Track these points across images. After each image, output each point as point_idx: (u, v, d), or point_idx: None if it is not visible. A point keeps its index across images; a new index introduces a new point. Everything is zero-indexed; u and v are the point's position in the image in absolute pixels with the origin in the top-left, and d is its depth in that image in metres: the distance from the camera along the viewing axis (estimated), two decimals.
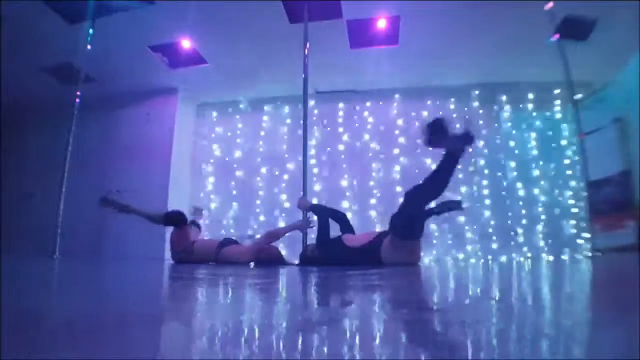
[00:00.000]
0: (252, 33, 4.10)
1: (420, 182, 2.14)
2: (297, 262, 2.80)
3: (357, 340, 0.47)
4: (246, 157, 5.48)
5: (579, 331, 0.53)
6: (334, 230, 2.74)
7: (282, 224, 4.81)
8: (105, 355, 0.39)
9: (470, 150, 2.09)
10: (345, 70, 4.86)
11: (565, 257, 4.43)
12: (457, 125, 2.19)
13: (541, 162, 4.85)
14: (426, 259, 3.83)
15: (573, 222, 4.64)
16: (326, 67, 4.64)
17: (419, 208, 2.20)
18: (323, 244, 2.58)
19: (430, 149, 2.14)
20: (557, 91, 4.92)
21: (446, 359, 0.39)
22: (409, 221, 2.19)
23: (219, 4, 3.67)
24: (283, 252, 3.07)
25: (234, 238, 3.08)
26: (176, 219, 2.99)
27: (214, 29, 4.08)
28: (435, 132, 1.99)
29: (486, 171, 4.93)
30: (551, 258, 4.21)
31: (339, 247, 2.45)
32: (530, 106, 5.04)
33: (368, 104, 5.35)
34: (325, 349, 0.42)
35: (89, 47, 3.93)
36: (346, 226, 2.76)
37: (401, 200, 2.25)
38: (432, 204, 2.34)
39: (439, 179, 2.06)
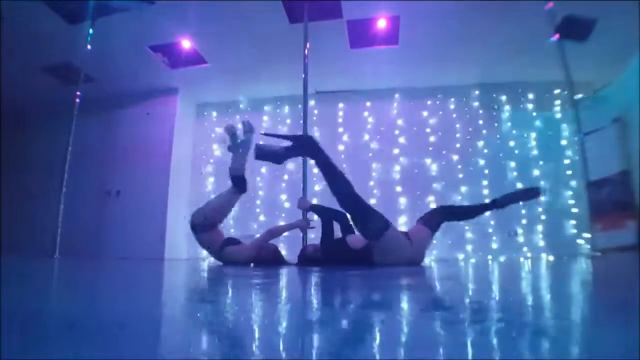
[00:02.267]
0: (252, 33, 4.11)
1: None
2: (295, 262, 2.79)
3: None
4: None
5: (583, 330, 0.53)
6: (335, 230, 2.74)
7: (282, 224, 4.80)
8: (107, 355, 0.40)
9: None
10: (345, 70, 4.86)
11: (565, 257, 4.43)
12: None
13: (541, 162, 4.85)
14: (426, 259, 3.82)
15: (573, 222, 4.64)
16: (326, 67, 4.64)
17: (356, 208, 2.28)
18: (328, 244, 2.58)
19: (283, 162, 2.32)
20: (557, 91, 4.92)
21: (446, 359, 0.39)
22: (361, 223, 2.29)
23: (219, 4, 3.67)
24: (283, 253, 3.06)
25: (236, 238, 3.07)
26: (243, 183, 2.89)
27: (214, 29, 4.08)
28: (266, 156, 2.24)
29: (486, 171, 4.93)
30: (551, 257, 4.20)
31: (342, 248, 2.46)
32: (530, 106, 5.04)
33: (368, 104, 5.35)
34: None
35: (89, 47, 3.94)
36: (346, 226, 2.76)
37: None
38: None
39: (327, 174, 2.21)
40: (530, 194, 2.53)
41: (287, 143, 2.24)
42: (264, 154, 2.24)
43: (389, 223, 2.27)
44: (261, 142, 2.28)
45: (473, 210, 2.75)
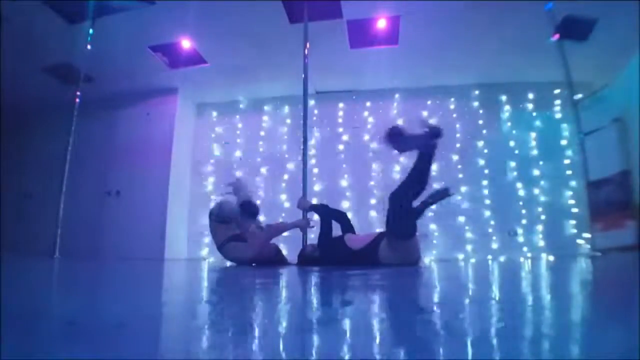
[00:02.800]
0: (252, 33, 4.10)
1: (400, 182, 2.30)
2: (295, 262, 2.80)
3: None
4: (246, 157, 5.48)
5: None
6: (335, 229, 2.74)
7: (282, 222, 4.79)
8: (108, 354, 0.39)
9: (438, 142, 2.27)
10: (345, 70, 4.86)
11: (565, 257, 4.43)
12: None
13: (541, 162, 4.85)
14: (426, 259, 3.82)
15: (573, 222, 4.63)
16: (326, 67, 4.64)
17: (406, 207, 2.27)
18: (325, 244, 2.58)
19: (401, 153, 2.32)
20: (557, 91, 4.91)
21: (446, 359, 0.39)
22: (400, 221, 2.26)
23: (219, 4, 3.67)
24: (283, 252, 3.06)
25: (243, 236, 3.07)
26: (254, 210, 3.02)
27: (214, 29, 4.08)
28: (395, 139, 2.20)
29: (486, 171, 4.93)
30: (551, 257, 4.21)
31: (340, 248, 2.46)
32: (530, 106, 5.03)
33: (368, 104, 5.35)
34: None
35: (89, 47, 3.93)
36: (347, 225, 2.76)
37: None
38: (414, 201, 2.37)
39: (417, 176, 2.22)
40: (441, 195, 2.50)
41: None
42: (397, 137, 2.19)
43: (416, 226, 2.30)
44: (396, 125, 2.24)
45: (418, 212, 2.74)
